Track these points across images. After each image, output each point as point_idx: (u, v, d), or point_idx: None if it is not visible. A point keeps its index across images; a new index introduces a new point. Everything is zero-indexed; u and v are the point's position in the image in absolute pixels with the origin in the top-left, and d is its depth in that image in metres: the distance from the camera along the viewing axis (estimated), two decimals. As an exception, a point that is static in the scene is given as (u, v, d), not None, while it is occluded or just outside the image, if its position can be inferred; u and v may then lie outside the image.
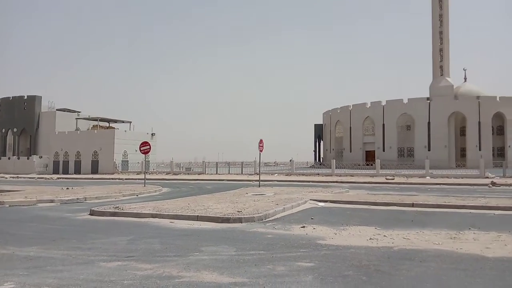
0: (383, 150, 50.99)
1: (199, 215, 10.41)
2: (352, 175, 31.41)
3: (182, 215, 10.60)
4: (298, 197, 14.84)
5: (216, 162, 41.20)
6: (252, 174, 34.60)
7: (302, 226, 9.24)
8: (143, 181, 23.05)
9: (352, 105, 56.00)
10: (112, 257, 6.40)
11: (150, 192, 19.08)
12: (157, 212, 11.00)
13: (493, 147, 48.73)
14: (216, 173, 38.25)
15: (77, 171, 45.38)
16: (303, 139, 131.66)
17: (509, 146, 48.19)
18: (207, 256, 6.53)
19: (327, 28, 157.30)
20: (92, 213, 11.59)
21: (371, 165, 36.16)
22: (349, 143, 55.68)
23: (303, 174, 34.25)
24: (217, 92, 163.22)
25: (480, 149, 47.00)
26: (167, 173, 39.64)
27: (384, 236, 8.08)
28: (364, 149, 53.74)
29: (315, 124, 67.11)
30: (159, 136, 50.98)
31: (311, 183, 25.99)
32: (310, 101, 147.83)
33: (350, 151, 55.13)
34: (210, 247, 7.18)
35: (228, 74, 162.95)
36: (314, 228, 8.96)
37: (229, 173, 37.81)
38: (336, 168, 34.74)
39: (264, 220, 10.15)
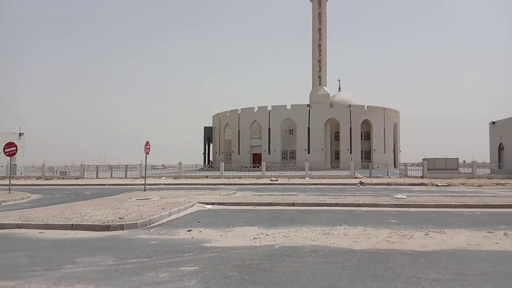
0: (269, 153, 53.50)
1: (74, 223, 9.53)
2: (240, 177, 32.22)
3: (54, 224, 9.58)
4: (185, 200, 14.64)
5: (97, 166, 38.35)
6: (138, 178, 33.10)
7: (188, 230, 9.11)
8: (8, 187, 20.31)
9: (241, 109, 57.62)
10: (-39, 278, 5.45)
11: (16, 200, 16.85)
12: (23, 222, 9.75)
13: (361, 151, 54.85)
14: (97, 177, 35.60)
15: None
16: (193, 141, 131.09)
17: (375, 150, 54.76)
18: (82, 268, 5.99)
19: (222, 31, 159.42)
20: None
21: (258, 167, 37.59)
22: (237, 146, 57.11)
23: (192, 177, 33.98)
24: (99, 90, 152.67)
25: (351, 152, 52.47)
26: (38, 178, 35.56)
27: (267, 235, 8.42)
28: (252, 152, 55.68)
29: (204, 127, 67.28)
30: (29, 137, 45.47)
31: (199, 185, 25.91)
32: (200, 103, 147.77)
33: (239, 154, 56.57)
34: (86, 257, 6.61)
35: (114, 72, 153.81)
36: (200, 231, 8.91)
37: (111, 177, 35.55)
38: (224, 170, 35.25)
39: (148, 226, 9.75)
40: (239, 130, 56.92)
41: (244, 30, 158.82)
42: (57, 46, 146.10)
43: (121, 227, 9.32)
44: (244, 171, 39.48)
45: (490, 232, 8.53)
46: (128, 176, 35.14)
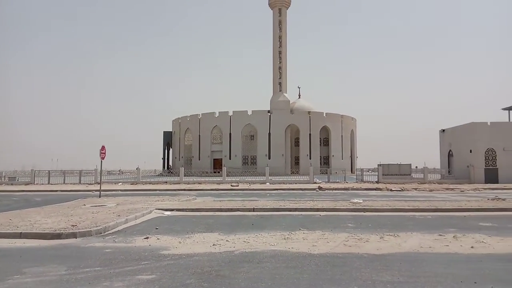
0: (230, 158, 53.33)
1: (23, 231, 9.01)
2: (200, 183, 31.87)
3: (0, 232, 9.01)
4: (143, 206, 14.26)
5: (49, 171, 36.57)
6: (93, 184, 31.89)
7: (145, 237, 8.87)
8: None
9: (202, 113, 57.15)
10: None
11: (-42, 208, 15.70)
12: (-35, 232, 9.09)
13: (320, 156, 55.95)
14: (49, 183, 33.94)
15: None
16: (152, 146, 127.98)
17: (333, 156, 56.04)
18: (30, 278, 5.66)
19: (184, 36, 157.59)
20: None
21: (219, 172, 37.36)
22: (198, 151, 56.49)
23: (150, 183, 33.20)
24: (55, 93, 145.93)
25: (310, 158, 53.38)
26: (-16, 184, 33.38)
27: (227, 241, 8.36)
28: (212, 157, 55.26)
29: (164, 131, 66.00)
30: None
31: (158, 191, 25.36)
32: (160, 108, 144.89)
33: (199, 159, 55.97)
34: (36, 267, 6.26)
35: (69, 73, 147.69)
36: (158, 239, 8.70)
37: (64, 183, 34.01)
38: (184, 176, 34.72)
39: (103, 234, 9.39)
40: (199, 135, 56.37)
41: (206, 36, 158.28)
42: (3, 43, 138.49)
43: (73, 235, 8.92)
44: (205, 176, 39.11)
45: (440, 235, 8.95)
46: (82, 182, 33.77)
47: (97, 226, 9.62)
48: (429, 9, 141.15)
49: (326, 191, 25.30)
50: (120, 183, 32.68)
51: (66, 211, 13.17)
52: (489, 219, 11.62)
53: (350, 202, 15.67)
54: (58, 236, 8.83)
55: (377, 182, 31.74)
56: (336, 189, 26.24)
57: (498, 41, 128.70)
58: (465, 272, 5.98)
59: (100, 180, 21.29)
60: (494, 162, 32.46)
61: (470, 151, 33.25)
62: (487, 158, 32.55)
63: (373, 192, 24.00)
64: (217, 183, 31.27)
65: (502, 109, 36.39)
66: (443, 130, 38.87)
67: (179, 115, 62.15)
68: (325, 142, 57.38)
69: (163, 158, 65.75)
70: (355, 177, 40.02)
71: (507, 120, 35.33)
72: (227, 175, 34.05)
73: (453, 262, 6.60)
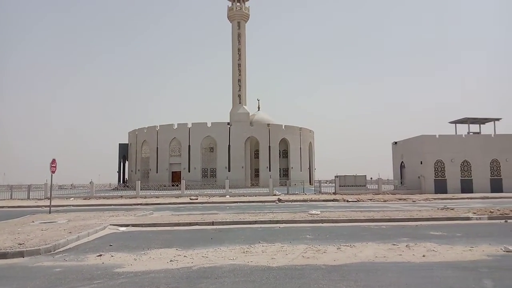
0: (189, 171, 52.59)
1: (-38, 253, 8.35)
2: (157, 197, 31.13)
3: None
4: (96, 222, 13.68)
5: (-5, 186, 34.38)
6: (42, 199, 30.27)
7: (98, 254, 8.50)
8: None
9: (159, 125, 56.14)
10: None
11: None
12: None
13: (280, 168, 56.54)
14: (-6, 198, 31.86)
15: None
16: (107, 159, 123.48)
17: (292, 168, 56.81)
18: (-32, 304, 5.23)
19: (142, 46, 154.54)
20: None
21: (177, 185, 36.70)
22: (155, 164, 55.25)
23: (104, 197, 31.98)
24: (4, 104, 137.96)
25: (270, 170, 53.80)
26: None
27: (185, 256, 8.18)
28: (171, 170, 54.25)
29: (119, 144, 64.08)
30: None
31: (113, 206, 24.46)
32: (116, 119, 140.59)
33: (157, 172, 54.73)
34: (-25, 292, 5.81)
35: (23, 84, 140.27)
36: (112, 256, 8.36)
37: (11, 198, 32.05)
38: (141, 189, 33.81)
39: (53, 252, 8.90)
40: (157, 148, 55.23)
41: (165, 47, 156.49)
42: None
43: (21, 254, 8.38)
44: (163, 190, 38.27)
45: (394, 244, 9.25)
46: (31, 197, 31.98)
47: (46, 244, 9.11)
48: (386, 21, 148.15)
49: (286, 203, 25.51)
50: (72, 198, 31.25)
51: (13, 228, 12.38)
52: (439, 228, 12.17)
53: (308, 213, 15.88)
54: (3, 255, 8.26)
55: (335, 193, 32.45)
56: (295, 200, 26.53)
57: (444, 58, 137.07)
58: (418, 280, 6.20)
59: (51, 195, 20.26)
60: (443, 173, 34.23)
61: (421, 163, 34.88)
62: (436, 169, 34.28)
63: (331, 203, 24.48)
64: (176, 197, 30.69)
65: (449, 122, 38.63)
66: (395, 142, 40.57)
67: (135, 126, 60.71)
68: (284, 154, 58.11)
69: (119, 172, 63.69)
70: (313, 188, 40.74)
71: (454, 133, 37.47)
72: (186, 188, 33.51)
73: (406, 271, 6.83)
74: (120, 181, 61.97)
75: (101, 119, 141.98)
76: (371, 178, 38.69)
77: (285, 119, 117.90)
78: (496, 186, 33.96)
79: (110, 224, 13.32)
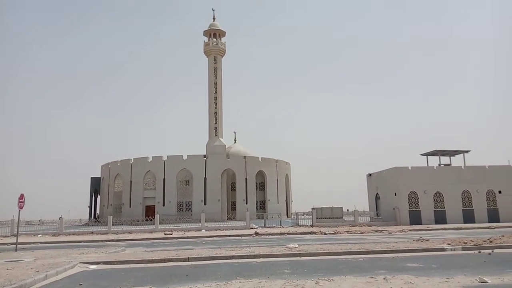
0: (163, 205, 51.44)
1: None
2: (130, 232, 30.14)
3: None
4: (65, 260, 13.07)
5: (-44, 223, 32.53)
6: (8, 236, 28.79)
7: (67, 295, 8.06)
8: None
9: (134, 158, 55.20)
10: None
11: None
12: None
13: (257, 201, 56.15)
14: (-45, 237, 30.04)
15: None
16: (78, 194, 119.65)
17: (269, 200, 56.53)
18: None
19: (115, 78, 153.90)
20: None
21: (151, 220, 35.71)
22: (129, 198, 53.85)
23: (74, 234, 30.73)
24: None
25: (246, 203, 53.32)
26: None
27: (159, 295, 7.85)
28: (144, 204, 52.93)
29: (91, 177, 62.39)
30: None
31: (83, 243, 23.49)
32: (86, 152, 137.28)
33: (130, 206, 53.27)
34: None
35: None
36: (81, 296, 7.93)
37: (-26, 236, 30.34)
38: (113, 225, 32.67)
39: (17, 294, 8.37)
40: (131, 181, 54.00)
41: (140, 80, 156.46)
42: None
43: (-20, 298, 7.84)
44: (136, 225, 37.10)
45: (372, 277, 9.19)
46: (-5, 235, 30.35)
47: (11, 284, 8.58)
48: (354, 53, 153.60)
49: (263, 236, 25.19)
50: (40, 235, 29.86)
51: (-27, 269, 11.63)
52: (416, 260, 12.22)
53: (286, 247, 15.69)
54: (-40, 300, 7.71)
55: (312, 225, 32.34)
56: (272, 234, 26.24)
57: (418, 91, 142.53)
58: (397, 314, 6.13)
59: (17, 232, 19.33)
60: (417, 204, 34.80)
61: (395, 194, 35.43)
62: (410, 200, 34.85)
63: (308, 236, 24.33)
64: (149, 232, 29.84)
65: (421, 154, 39.72)
66: (370, 174, 41.21)
67: (108, 160, 59.45)
68: (261, 186, 57.93)
69: (90, 206, 61.63)
70: (290, 221, 40.45)
71: (426, 165, 38.47)
72: (161, 223, 32.68)
73: (385, 305, 6.76)
74: (91, 217, 59.90)
75: (72, 152, 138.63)
76: (348, 209, 38.90)
77: (262, 151, 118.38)
78: (468, 216, 34.71)
79: (80, 262, 12.75)
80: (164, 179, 52.44)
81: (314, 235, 25.33)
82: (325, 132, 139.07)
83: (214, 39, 58.14)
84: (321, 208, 34.90)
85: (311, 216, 34.75)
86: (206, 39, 58.90)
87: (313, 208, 34.59)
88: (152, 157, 53.94)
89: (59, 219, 33.05)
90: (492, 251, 13.96)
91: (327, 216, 34.35)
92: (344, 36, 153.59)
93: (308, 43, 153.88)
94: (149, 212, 50.45)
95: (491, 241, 16.21)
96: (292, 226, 32.84)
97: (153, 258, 13.29)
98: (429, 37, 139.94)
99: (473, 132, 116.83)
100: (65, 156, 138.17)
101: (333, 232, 26.29)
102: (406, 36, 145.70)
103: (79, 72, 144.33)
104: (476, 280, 8.56)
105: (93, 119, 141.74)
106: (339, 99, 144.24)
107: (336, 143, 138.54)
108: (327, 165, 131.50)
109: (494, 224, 30.58)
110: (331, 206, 35.39)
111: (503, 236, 18.56)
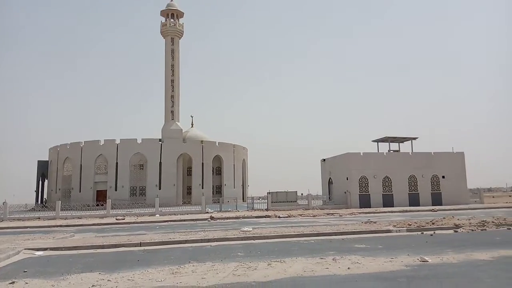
0: (116, 190, 50.08)
1: None
2: (80, 217, 29.14)
3: None
4: (9, 247, 12.46)
5: None
6: None
7: (11, 282, 7.71)
8: None
9: (84, 141, 53.03)
10: None
11: None
12: None
13: (213, 185, 56.10)
14: None
15: None
16: (24, 177, 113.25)
17: (225, 185, 56.65)
18: None
19: (72, 60, 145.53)
20: None
21: (102, 205, 34.74)
22: (78, 182, 51.85)
23: (20, 219, 29.26)
24: None
25: (203, 187, 53.12)
26: None
27: (109, 280, 7.70)
28: (95, 189, 51.24)
29: (38, 161, 59.32)
30: None
31: (29, 229, 22.42)
32: (33, 134, 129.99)
33: (80, 191, 51.36)
34: None
35: None
36: (26, 283, 7.63)
37: None
38: (62, 210, 31.42)
39: (-47, 283, 7.87)
40: (81, 165, 51.93)
41: (95, 59, 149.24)
42: None
43: None
44: (86, 210, 35.97)
45: (322, 258, 9.54)
46: None
47: None
48: (323, 37, 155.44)
49: (218, 220, 25.27)
50: (-19, 221, 28.13)
51: None
52: (363, 241, 12.80)
53: (240, 230, 15.85)
54: None
55: (267, 209, 32.86)
56: (228, 218, 26.39)
57: (370, 81, 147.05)
58: (343, 292, 6.42)
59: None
60: (367, 189, 36.29)
61: (347, 179, 36.72)
62: (361, 184, 36.27)
63: (263, 220, 24.71)
64: (100, 217, 29.02)
65: (372, 141, 41.31)
66: (324, 160, 42.36)
67: (57, 143, 56.75)
68: (218, 171, 57.87)
69: (37, 191, 58.75)
70: (246, 205, 40.88)
71: (376, 151, 40.08)
72: (113, 208, 31.86)
73: (333, 284, 7.05)
74: (38, 201, 57.22)
75: (17, 134, 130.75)
76: (302, 194, 39.82)
77: (219, 136, 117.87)
78: (414, 200, 36.74)
79: (25, 248, 12.20)
80: (116, 163, 50.93)
81: (268, 218, 25.76)
82: (282, 119, 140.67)
83: (172, 20, 56.47)
84: (276, 192, 35.51)
85: (266, 200, 35.26)
86: (163, 19, 57.10)
87: (268, 193, 35.11)
88: (104, 140, 52.13)
89: (3, 203, 31.23)
90: (434, 233, 14.91)
91: (282, 200, 35.03)
92: (298, 23, 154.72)
93: (268, 28, 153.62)
94: (101, 197, 48.95)
95: (433, 223, 17.29)
96: (247, 210, 33.18)
97: (104, 244, 12.97)
98: (380, 24, 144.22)
99: (422, 119, 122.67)
100: (10, 138, 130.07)
101: (287, 216, 26.87)
102: (358, 22, 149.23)
103: (27, 50, 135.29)
104: (417, 259, 9.12)
105: (41, 100, 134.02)
106: (295, 86, 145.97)
107: (292, 129, 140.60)
108: (283, 150, 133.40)
109: (437, 207, 32.59)
110: (286, 191, 36.10)
111: (444, 218, 19.89)
